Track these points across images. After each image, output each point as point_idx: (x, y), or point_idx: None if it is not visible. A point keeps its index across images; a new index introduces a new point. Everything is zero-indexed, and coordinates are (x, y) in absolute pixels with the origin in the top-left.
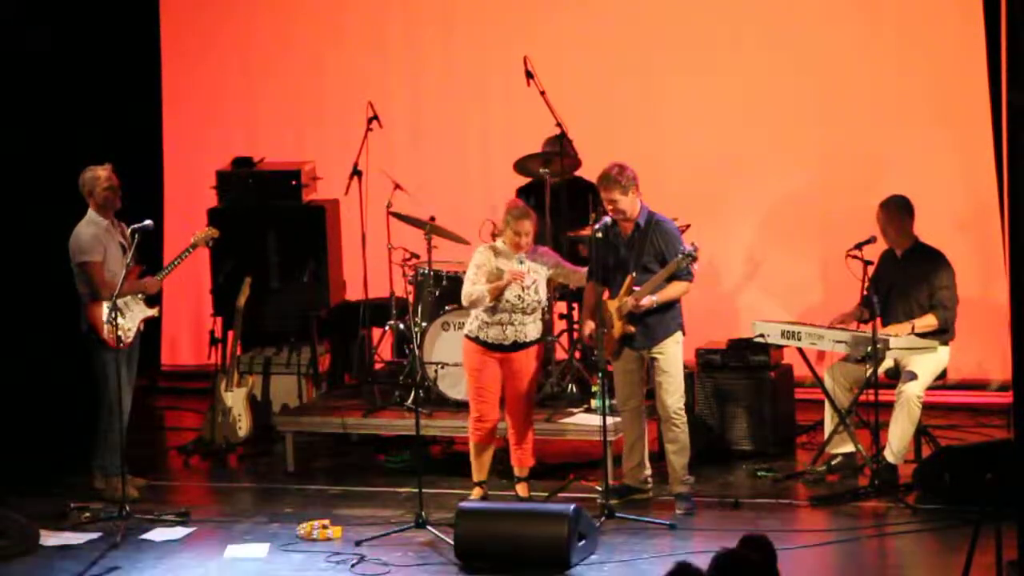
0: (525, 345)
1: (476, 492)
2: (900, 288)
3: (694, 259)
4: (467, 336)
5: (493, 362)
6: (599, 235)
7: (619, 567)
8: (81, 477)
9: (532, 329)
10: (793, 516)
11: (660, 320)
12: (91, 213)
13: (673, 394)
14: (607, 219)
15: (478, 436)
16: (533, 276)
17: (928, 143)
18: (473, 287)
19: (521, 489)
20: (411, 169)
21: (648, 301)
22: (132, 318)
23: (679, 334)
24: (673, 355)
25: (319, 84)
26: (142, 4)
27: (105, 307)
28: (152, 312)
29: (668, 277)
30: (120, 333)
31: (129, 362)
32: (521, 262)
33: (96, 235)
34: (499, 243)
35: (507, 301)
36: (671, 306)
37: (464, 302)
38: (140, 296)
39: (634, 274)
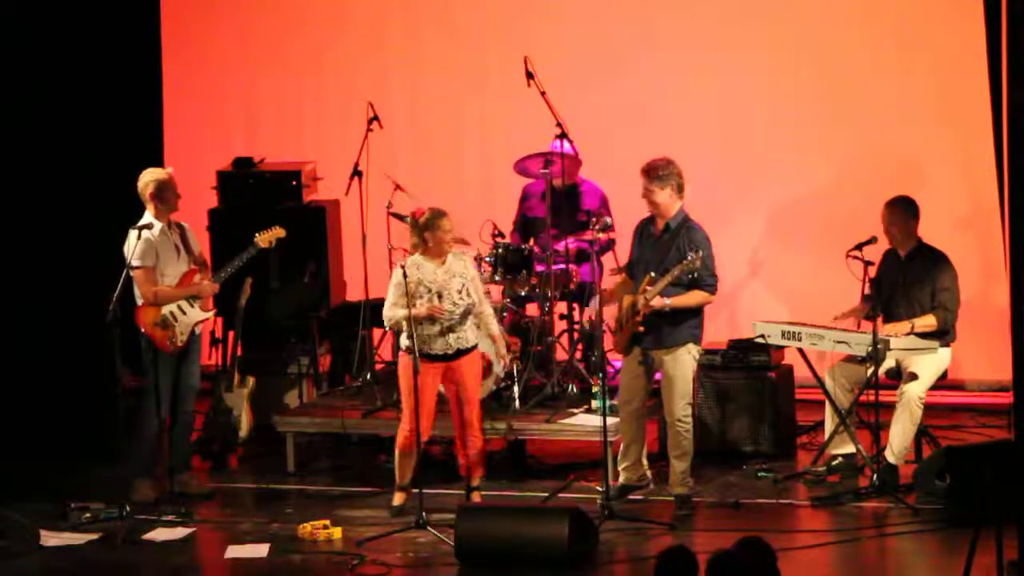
0: (467, 351)
1: (399, 497)
2: (903, 288)
3: (694, 269)
4: (403, 351)
5: (434, 375)
6: (600, 234)
7: (619, 567)
8: (80, 477)
9: (472, 333)
10: (793, 516)
11: (673, 327)
12: (147, 215)
13: (678, 402)
14: (607, 219)
15: (404, 445)
16: (460, 281)
17: (929, 143)
18: (393, 311)
19: (476, 499)
20: (411, 169)
21: (658, 302)
22: (185, 322)
23: (692, 345)
24: (681, 363)
25: (319, 84)
26: (142, 4)
27: (164, 311)
28: (207, 315)
29: (688, 284)
30: (171, 337)
31: (186, 363)
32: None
33: (148, 239)
34: (418, 256)
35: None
36: (688, 315)
37: (386, 325)
38: (195, 299)
39: (653, 274)
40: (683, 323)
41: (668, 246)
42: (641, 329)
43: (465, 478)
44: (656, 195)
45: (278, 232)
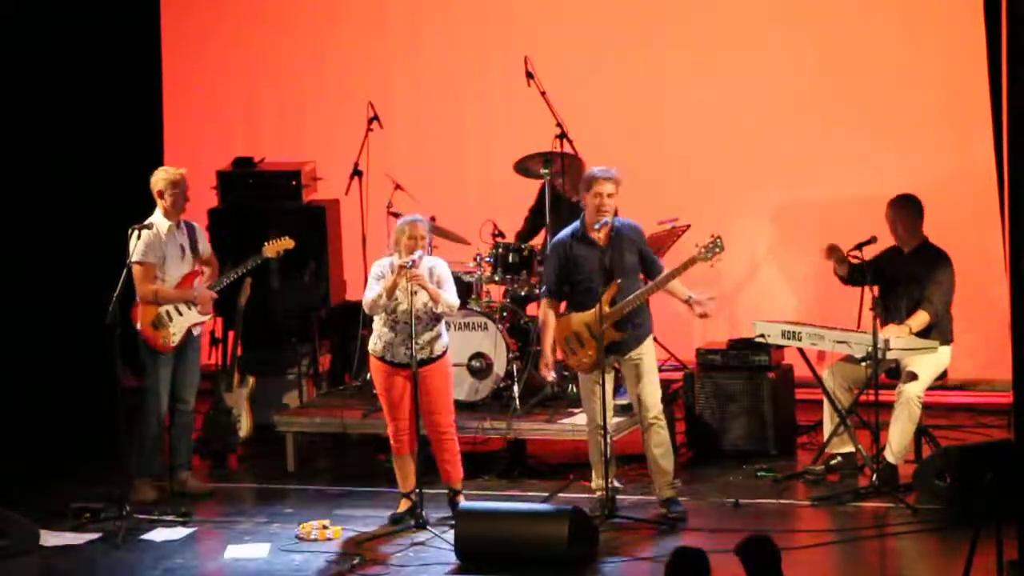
0: (431, 360)
1: (403, 504)
2: (904, 286)
3: (722, 248)
4: (372, 354)
5: (401, 379)
6: (600, 234)
7: (619, 567)
8: (80, 477)
9: (437, 344)
10: (793, 516)
11: (643, 321)
12: (157, 213)
13: (655, 394)
14: (607, 219)
15: (397, 449)
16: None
17: (929, 143)
18: (368, 292)
19: (460, 501)
20: (411, 169)
21: (684, 293)
22: (180, 323)
23: (652, 334)
24: (652, 354)
25: (319, 84)
26: (143, 3)
27: (160, 310)
28: (205, 318)
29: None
30: (164, 336)
31: (184, 363)
32: (411, 264)
33: (152, 237)
34: (395, 258)
35: (405, 322)
36: (645, 306)
37: (365, 310)
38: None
39: (619, 280)
40: (646, 313)
41: (620, 248)
42: (619, 335)
43: (445, 484)
44: (614, 199)
45: (287, 243)
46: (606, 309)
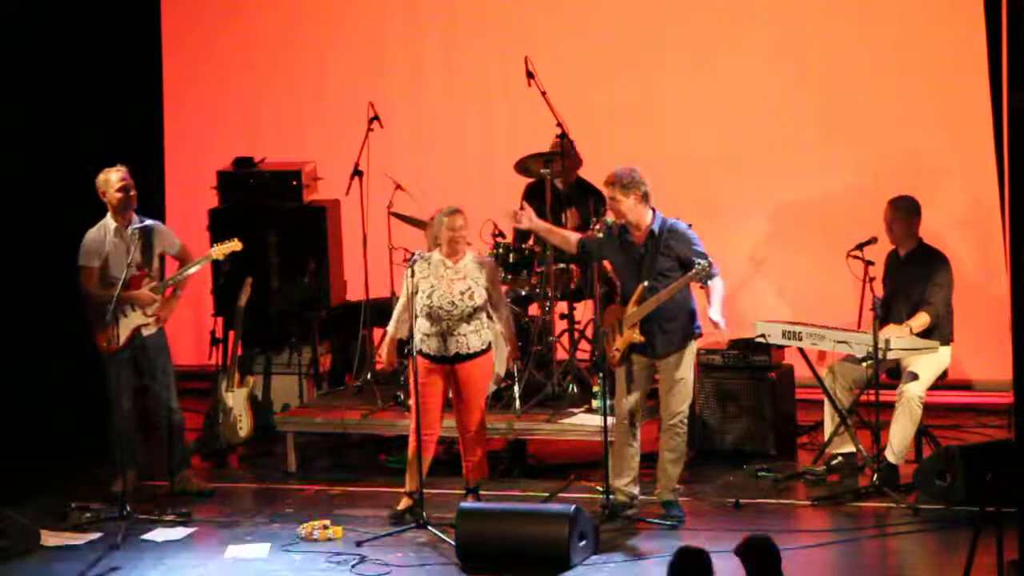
0: (469, 356)
1: (404, 502)
2: (902, 288)
3: (709, 274)
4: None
5: (437, 377)
6: (600, 235)
7: (619, 567)
8: (80, 477)
9: (475, 339)
10: (793, 516)
11: (682, 325)
12: (107, 216)
13: (683, 402)
14: (608, 219)
15: (414, 447)
16: (469, 283)
17: (928, 143)
18: (397, 307)
19: (472, 501)
20: (411, 169)
21: (718, 317)
22: (124, 324)
23: (694, 342)
24: (688, 363)
25: (320, 84)
26: (143, 4)
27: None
28: (146, 321)
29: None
30: (107, 338)
31: (151, 367)
32: (447, 267)
33: (97, 239)
34: (433, 252)
35: (440, 308)
36: (692, 311)
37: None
38: (137, 304)
39: (646, 283)
40: (688, 320)
41: (656, 251)
42: (641, 339)
43: (465, 481)
44: (622, 203)
45: (235, 245)
46: (633, 309)
